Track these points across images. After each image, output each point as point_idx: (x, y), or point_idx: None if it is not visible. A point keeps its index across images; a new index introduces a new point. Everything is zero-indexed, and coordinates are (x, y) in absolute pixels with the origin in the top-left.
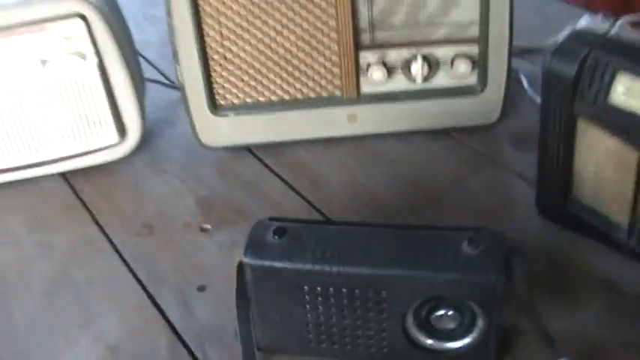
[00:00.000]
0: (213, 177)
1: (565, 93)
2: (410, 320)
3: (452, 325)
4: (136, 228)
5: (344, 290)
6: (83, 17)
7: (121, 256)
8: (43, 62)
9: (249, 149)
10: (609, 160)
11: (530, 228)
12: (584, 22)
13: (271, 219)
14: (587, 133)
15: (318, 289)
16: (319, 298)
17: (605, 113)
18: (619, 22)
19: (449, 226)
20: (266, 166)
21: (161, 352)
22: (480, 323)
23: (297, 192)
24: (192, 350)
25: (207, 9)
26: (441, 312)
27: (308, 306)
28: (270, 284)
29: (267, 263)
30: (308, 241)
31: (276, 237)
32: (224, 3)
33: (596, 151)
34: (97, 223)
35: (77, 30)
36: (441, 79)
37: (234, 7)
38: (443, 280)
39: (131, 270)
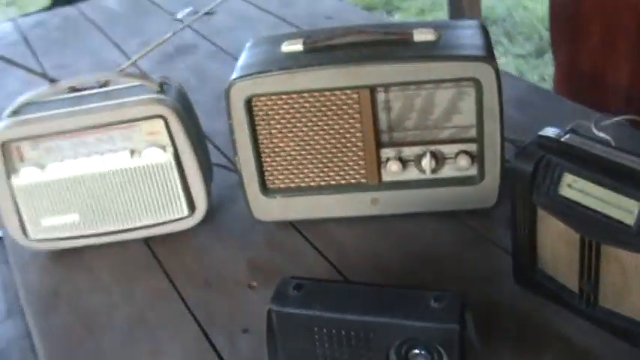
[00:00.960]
0: (262, 245)
1: (525, 187)
2: (392, 356)
3: None
4: (198, 283)
5: (342, 332)
6: (164, 118)
7: (185, 304)
8: (132, 152)
9: (291, 223)
10: (561, 240)
11: (508, 293)
12: (548, 130)
13: (293, 277)
14: (544, 218)
15: (324, 330)
16: (325, 337)
17: (556, 203)
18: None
19: (423, 287)
20: (304, 237)
21: None
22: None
23: (326, 259)
24: None
25: (260, 114)
26: (416, 351)
27: (317, 343)
28: (289, 326)
29: (287, 310)
30: (318, 294)
31: (295, 291)
32: (272, 109)
33: (551, 233)
34: (169, 278)
35: (159, 127)
36: (447, 171)
37: (280, 112)
38: (415, 327)
39: (193, 315)
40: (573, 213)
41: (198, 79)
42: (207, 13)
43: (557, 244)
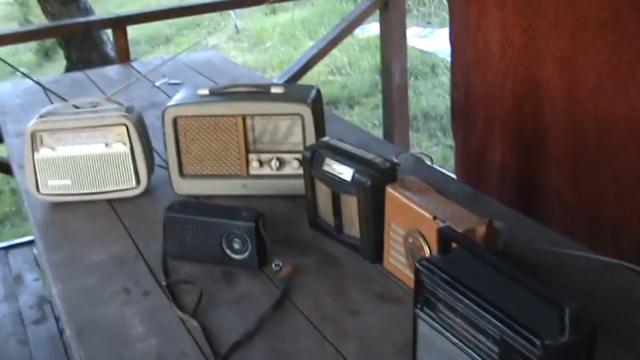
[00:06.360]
0: None
1: (308, 165)
2: (223, 243)
3: (240, 247)
4: (135, 221)
5: (197, 227)
6: (126, 126)
7: (125, 228)
8: (106, 144)
9: (196, 197)
10: (325, 195)
11: (305, 232)
12: (325, 138)
13: (180, 201)
14: (318, 183)
15: (190, 226)
16: (191, 231)
17: (320, 174)
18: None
19: (240, 208)
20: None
21: (131, 255)
22: (250, 247)
23: None
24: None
25: (181, 127)
26: (235, 239)
27: (187, 235)
28: (174, 224)
29: (172, 214)
30: (189, 208)
31: (179, 206)
32: (188, 126)
33: (321, 192)
34: (119, 218)
35: (123, 131)
36: (287, 170)
37: (192, 128)
38: (232, 224)
39: (129, 233)
40: (327, 178)
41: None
42: (176, 83)
43: (324, 199)
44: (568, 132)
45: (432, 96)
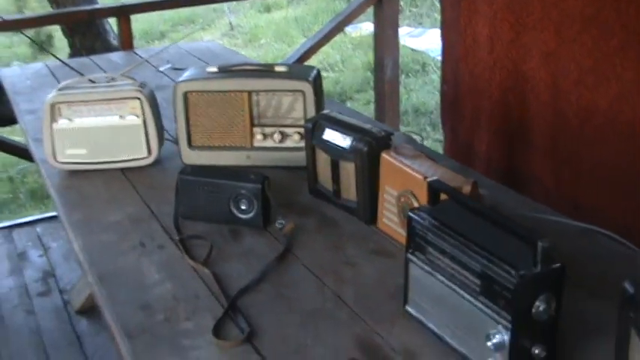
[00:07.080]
0: None
1: (309, 136)
2: (231, 203)
3: (246, 207)
4: (146, 187)
5: (208, 189)
6: (139, 99)
7: (139, 193)
8: (121, 117)
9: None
10: (324, 162)
11: (306, 198)
12: (326, 110)
13: (191, 166)
14: (318, 152)
15: (202, 188)
16: (202, 193)
17: (321, 142)
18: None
19: (247, 171)
20: None
21: (145, 215)
22: (256, 207)
23: None
24: (159, 218)
25: (191, 102)
26: (242, 200)
27: (199, 197)
28: (186, 186)
29: (185, 177)
30: (202, 171)
31: (190, 169)
32: (197, 100)
33: (321, 160)
34: (132, 185)
35: (137, 104)
36: (288, 143)
37: (202, 102)
38: (239, 185)
39: (142, 198)
40: (327, 146)
41: (167, 102)
42: (180, 69)
43: (323, 166)
44: (551, 123)
45: (422, 93)
